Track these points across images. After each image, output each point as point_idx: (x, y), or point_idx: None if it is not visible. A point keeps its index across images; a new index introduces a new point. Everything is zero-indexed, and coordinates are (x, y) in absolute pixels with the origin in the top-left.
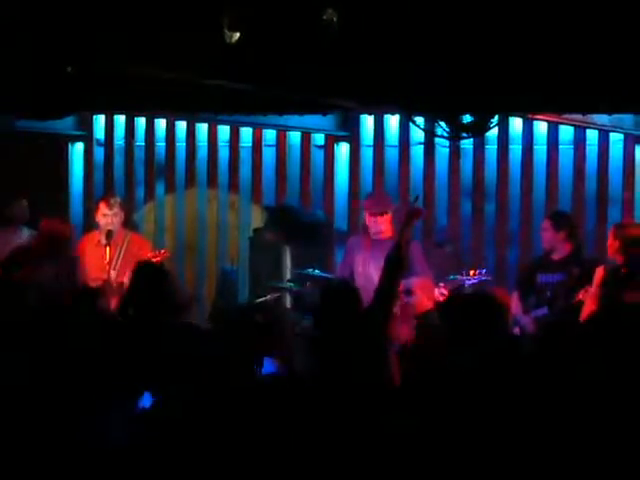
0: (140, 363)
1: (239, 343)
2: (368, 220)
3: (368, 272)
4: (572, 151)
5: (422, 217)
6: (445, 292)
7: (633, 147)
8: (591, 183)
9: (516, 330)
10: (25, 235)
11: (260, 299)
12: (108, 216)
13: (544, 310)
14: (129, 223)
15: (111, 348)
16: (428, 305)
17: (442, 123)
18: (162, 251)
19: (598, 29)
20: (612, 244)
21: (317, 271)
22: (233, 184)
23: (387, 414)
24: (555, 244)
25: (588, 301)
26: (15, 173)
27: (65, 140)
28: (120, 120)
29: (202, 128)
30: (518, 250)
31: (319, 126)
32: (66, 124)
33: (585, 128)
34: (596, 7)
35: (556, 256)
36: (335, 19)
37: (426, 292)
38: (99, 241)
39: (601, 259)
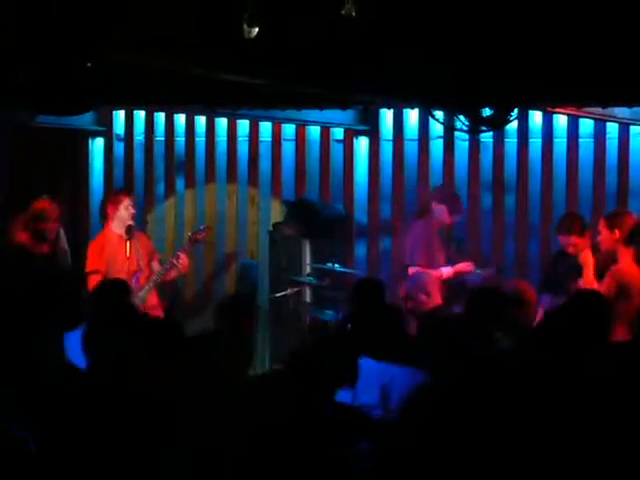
0: None
1: None
2: None
3: None
4: (592, 144)
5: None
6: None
7: None
8: (611, 176)
9: None
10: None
11: (280, 293)
12: (130, 210)
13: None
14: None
15: None
16: (438, 301)
17: (461, 117)
18: (203, 227)
19: (618, 22)
20: None
21: (337, 265)
22: (253, 179)
23: None
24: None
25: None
26: (35, 169)
27: (85, 135)
28: (140, 115)
29: (221, 123)
30: (538, 243)
31: (338, 120)
32: (86, 119)
33: (605, 121)
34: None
35: (574, 250)
36: (354, 13)
37: (436, 288)
38: (121, 236)
39: None
